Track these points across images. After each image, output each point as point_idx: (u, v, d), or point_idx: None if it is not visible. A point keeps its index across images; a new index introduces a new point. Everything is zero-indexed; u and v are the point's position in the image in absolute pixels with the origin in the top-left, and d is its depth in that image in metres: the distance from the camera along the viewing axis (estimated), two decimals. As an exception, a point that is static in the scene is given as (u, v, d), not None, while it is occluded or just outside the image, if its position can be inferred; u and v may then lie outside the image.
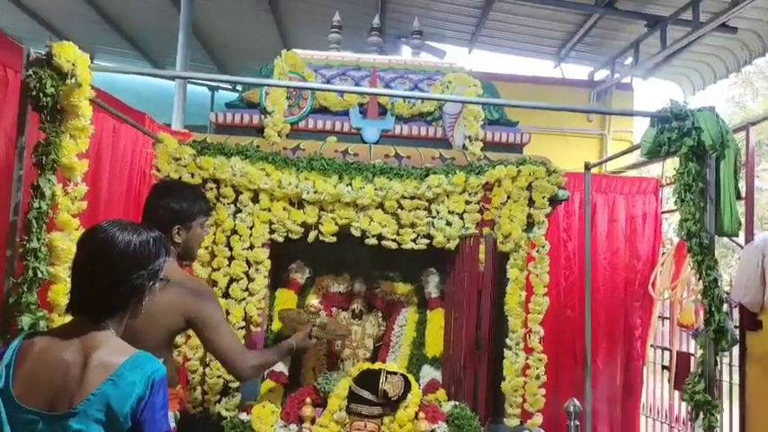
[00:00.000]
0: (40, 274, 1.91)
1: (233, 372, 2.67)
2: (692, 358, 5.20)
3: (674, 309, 5.43)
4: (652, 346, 5.84)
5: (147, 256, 1.67)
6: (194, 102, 7.69)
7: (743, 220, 2.91)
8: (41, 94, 1.91)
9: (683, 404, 5.46)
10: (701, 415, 2.23)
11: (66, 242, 1.97)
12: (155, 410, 1.58)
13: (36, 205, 1.92)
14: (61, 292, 1.96)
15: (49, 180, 1.94)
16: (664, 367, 5.75)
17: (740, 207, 2.95)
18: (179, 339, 2.95)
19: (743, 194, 2.72)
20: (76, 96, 1.97)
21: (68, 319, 1.77)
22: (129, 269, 1.64)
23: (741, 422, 4.53)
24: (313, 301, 3.16)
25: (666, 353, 5.74)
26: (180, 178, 3.05)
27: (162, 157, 3.07)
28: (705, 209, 2.30)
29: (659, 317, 5.78)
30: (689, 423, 5.26)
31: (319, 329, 3.01)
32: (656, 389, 5.97)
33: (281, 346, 2.89)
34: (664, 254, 5.57)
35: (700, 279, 2.28)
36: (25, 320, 1.88)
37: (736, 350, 4.58)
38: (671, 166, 6.09)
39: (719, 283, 2.28)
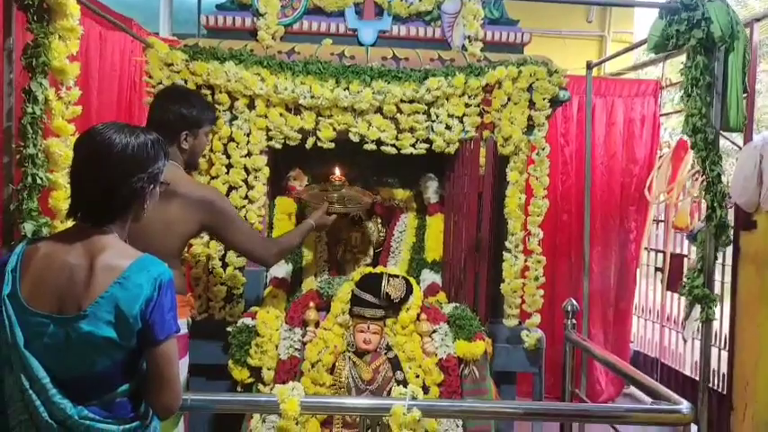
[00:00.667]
0: (39, 181, 1.88)
1: (258, 262, 2.77)
2: (685, 260, 5.29)
3: (669, 211, 5.48)
4: (646, 248, 5.93)
5: (146, 158, 1.64)
6: (181, 9, 7.40)
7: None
8: (25, -8, 1.82)
9: (675, 304, 5.63)
10: (699, 308, 2.28)
11: (63, 148, 1.94)
12: (163, 312, 1.59)
13: (29, 110, 1.86)
14: (62, 199, 1.94)
15: (41, 84, 1.88)
16: (657, 269, 5.87)
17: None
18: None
19: (748, 90, 2.67)
20: (62, -7, 1.88)
21: (71, 224, 1.76)
22: (128, 172, 1.61)
23: (731, 320, 4.65)
24: (336, 171, 3.18)
25: (660, 255, 5.84)
26: (173, 85, 2.98)
27: (153, 62, 2.98)
28: (711, 104, 2.26)
29: (654, 220, 5.84)
30: (680, 322, 5.42)
31: (338, 205, 3.04)
32: (649, 290, 6.11)
33: (300, 227, 2.95)
34: (661, 157, 5.56)
35: (703, 175, 2.27)
36: (28, 227, 1.87)
37: (729, 250, 4.65)
38: (670, 68, 5.99)
39: (722, 180, 2.27)
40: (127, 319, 1.53)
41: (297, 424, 1.98)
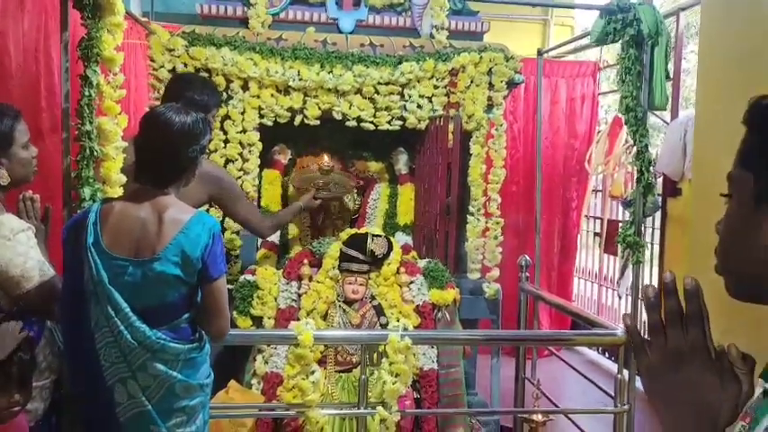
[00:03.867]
0: (95, 153, 2.24)
1: (255, 233, 3.22)
2: (620, 225, 5.90)
3: (607, 182, 6.08)
4: (586, 216, 6.54)
5: (198, 133, 2.03)
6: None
7: (670, 98, 3.42)
8: (84, -6, 2.15)
9: (611, 266, 6.26)
10: (630, 254, 2.81)
11: (112, 125, 2.29)
12: (216, 255, 1.99)
13: (86, 93, 2.20)
14: (112, 168, 2.29)
15: (95, 71, 2.22)
16: (595, 234, 6.48)
17: (669, 88, 3.45)
18: None
19: (671, 76, 3.20)
20: (113, -6, 2.22)
21: (120, 189, 2.14)
22: (186, 144, 1.99)
23: (660, 274, 5.28)
24: (325, 158, 3.60)
25: (598, 221, 6.45)
26: (174, 68, 3.32)
27: (156, 48, 3.31)
28: (640, 88, 2.77)
29: (593, 190, 6.44)
30: (615, 281, 6.06)
31: (324, 191, 3.48)
32: (588, 253, 6.74)
33: (291, 207, 3.44)
34: (599, 132, 6.15)
35: (634, 146, 2.79)
36: (86, 191, 2.23)
37: (658, 215, 5.27)
38: (606, 51, 6.56)
39: (649, 149, 2.80)
40: (190, 260, 1.93)
41: (311, 351, 2.41)
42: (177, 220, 1.95)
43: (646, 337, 0.84)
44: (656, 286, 0.83)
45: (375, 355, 2.91)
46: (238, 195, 2.97)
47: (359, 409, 2.52)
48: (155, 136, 1.98)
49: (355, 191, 4.09)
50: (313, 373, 2.46)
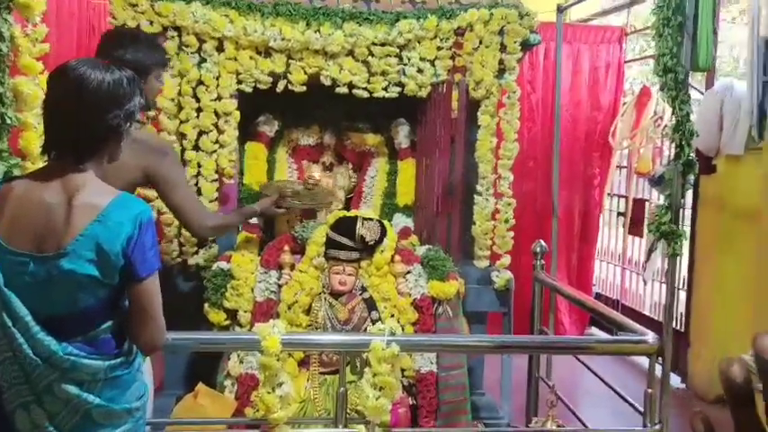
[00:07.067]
0: (8, 121, 1.84)
1: (189, 229, 2.72)
2: (647, 204, 5.43)
3: (633, 157, 5.60)
4: (609, 194, 6.07)
5: (121, 95, 1.60)
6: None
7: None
8: None
9: (636, 248, 5.80)
10: (663, 246, 2.36)
11: (32, 87, 1.88)
12: (145, 249, 1.58)
13: (-6, 47, 1.81)
14: (32, 139, 1.90)
15: (6, 20, 1.81)
16: (619, 214, 6.02)
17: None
18: (151, 194, 2.91)
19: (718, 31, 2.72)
20: (25, -77, 1.81)
21: (43, 165, 1.73)
22: (104, 108, 1.57)
23: (690, 261, 4.83)
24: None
25: (622, 200, 5.98)
26: (138, 26, 2.90)
27: (117, 3, 2.90)
28: (681, 44, 2.30)
29: (617, 166, 5.96)
30: (641, 265, 5.60)
31: (294, 200, 3.02)
32: (611, 235, 6.28)
33: (242, 209, 2.97)
34: (625, 104, 5.65)
35: (672, 114, 2.33)
36: (-2, 168, 1.83)
37: (689, 194, 4.79)
38: (634, 17, 6.03)
39: (691, 118, 2.33)
40: (109, 256, 1.52)
41: (278, 360, 2.02)
42: (91, 206, 1.54)
43: None
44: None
45: (359, 360, 2.51)
46: (181, 178, 2.51)
47: (336, 426, 2.12)
48: (64, 97, 1.56)
49: (350, 166, 3.67)
50: (281, 385, 2.05)
